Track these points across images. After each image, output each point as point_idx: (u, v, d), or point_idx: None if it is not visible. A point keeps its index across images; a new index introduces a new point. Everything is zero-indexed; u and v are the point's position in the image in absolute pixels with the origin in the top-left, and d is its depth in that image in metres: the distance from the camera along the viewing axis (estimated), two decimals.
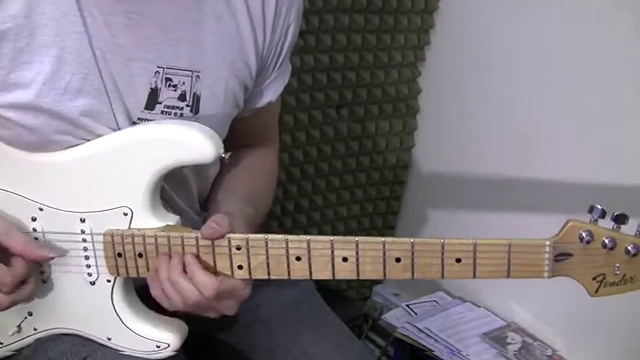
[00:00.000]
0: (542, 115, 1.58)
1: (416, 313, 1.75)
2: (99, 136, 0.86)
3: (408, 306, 1.79)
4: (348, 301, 1.92)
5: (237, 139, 0.99)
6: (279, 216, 1.76)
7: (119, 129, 0.86)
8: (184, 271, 0.83)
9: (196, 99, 0.91)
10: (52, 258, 0.87)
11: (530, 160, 1.62)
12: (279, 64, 1.01)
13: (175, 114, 0.90)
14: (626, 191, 1.42)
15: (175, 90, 0.89)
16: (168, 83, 0.88)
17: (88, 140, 0.86)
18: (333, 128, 1.76)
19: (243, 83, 0.96)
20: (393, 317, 1.77)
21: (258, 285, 1.01)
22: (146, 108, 0.88)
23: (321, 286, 1.13)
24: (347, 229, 1.89)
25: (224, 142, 0.88)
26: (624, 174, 1.42)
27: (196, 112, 0.91)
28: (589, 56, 1.47)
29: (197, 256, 0.84)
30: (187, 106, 0.90)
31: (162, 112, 0.89)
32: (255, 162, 1.07)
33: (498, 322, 1.70)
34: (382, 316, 1.83)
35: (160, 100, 0.88)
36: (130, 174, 0.85)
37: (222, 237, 0.83)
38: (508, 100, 1.66)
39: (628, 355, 1.52)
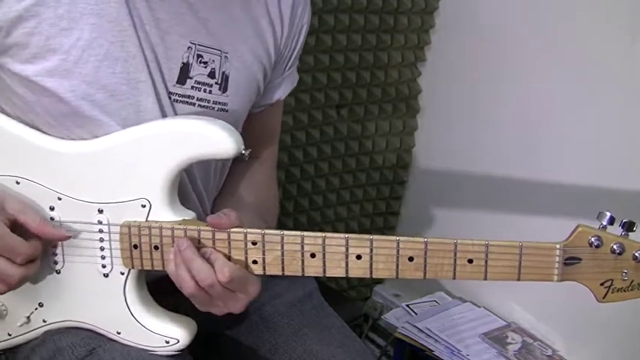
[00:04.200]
0: (542, 115, 1.59)
1: (416, 313, 1.75)
2: (137, 108, 0.87)
3: (408, 306, 1.79)
4: (349, 301, 1.92)
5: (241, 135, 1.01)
6: (279, 216, 1.75)
7: (158, 100, 0.88)
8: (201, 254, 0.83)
9: (225, 78, 0.94)
10: (68, 237, 0.87)
11: (530, 159, 1.63)
12: (291, 62, 1.06)
13: (205, 90, 0.93)
14: (633, 197, 1.42)
15: (206, 67, 0.92)
16: (199, 59, 0.91)
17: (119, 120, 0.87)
18: (333, 128, 1.77)
19: (264, 69, 1.00)
20: (393, 317, 1.77)
21: (262, 285, 1.02)
22: (178, 82, 0.90)
23: (322, 285, 1.13)
24: (347, 230, 1.90)
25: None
26: (630, 179, 1.42)
27: (224, 90, 0.94)
28: (588, 56, 1.48)
29: (213, 248, 0.85)
30: (216, 83, 0.93)
31: (192, 87, 0.92)
32: (260, 175, 1.10)
33: (498, 322, 1.70)
34: (382, 316, 1.84)
35: (191, 75, 0.91)
36: (150, 166, 0.85)
37: (226, 228, 0.84)
38: (508, 100, 1.67)
39: (628, 355, 1.52)
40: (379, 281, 2.06)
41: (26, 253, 0.83)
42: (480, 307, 1.75)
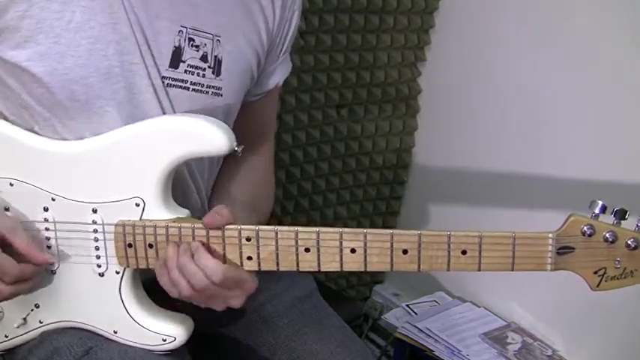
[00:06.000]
0: (542, 115, 1.59)
1: (416, 313, 1.75)
2: (131, 90, 0.87)
3: (408, 306, 1.79)
4: (349, 301, 1.93)
5: (238, 131, 1.00)
6: (280, 216, 1.76)
7: (151, 83, 0.88)
8: (193, 257, 0.83)
9: (218, 62, 0.94)
10: (52, 263, 0.88)
11: (530, 158, 1.62)
12: (284, 48, 1.05)
13: (198, 74, 0.92)
14: (626, 189, 1.42)
15: (198, 50, 0.92)
16: (190, 43, 0.91)
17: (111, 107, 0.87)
18: (333, 128, 1.77)
19: (257, 55, 0.99)
20: (393, 317, 1.77)
21: (262, 284, 1.02)
22: (170, 66, 0.90)
23: (322, 285, 1.13)
24: None
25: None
26: (624, 172, 1.43)
27: (218, 74, 0.94)
28: (588, 56, 1.48)
29: (207, 246, 0.85)
30: (209, 67, 0.93)
31: (185, 71, 0.91)
32: (255, 165, 1.09)
33: (498, 322, 1.70)
34: (382, 316, 1.84)
35: (183, 59, 0.91)
36: (143, 165, 0.86)
37: (222, 226, 0.84)
38: (508, 100, 1.67)
39: (627, 355, 1.52)
40: (379, 281, 2.06)
41: (13, 275, 0.82)
42: (480, 307, 1.75)
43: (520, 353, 1.58)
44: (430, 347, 1.58)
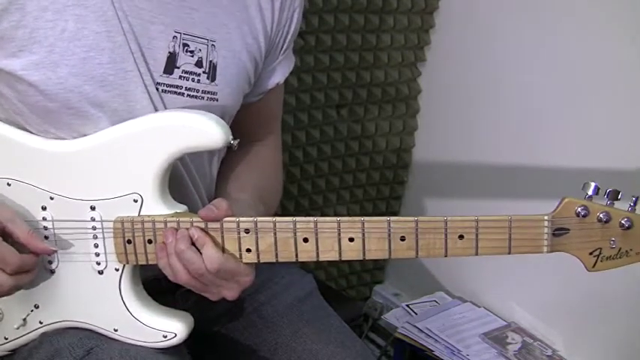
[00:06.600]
0: (543, 115, 1.59)
1: (416, 313, 1.75)
2: (126, 98, 0.87)
3: (408, 306, 1.79)
4: (349, 301, 1.92)
5: (243, 127, 1.00)
6: (280, 216, 1.75)
7: (146, 91, 0.88)
8: (192, 244, 0.84)
9: (213, 67, 0.93)
10: (55, 251, 0.88)
11: (531, 158, 1.62)
12: (285, 46, 1.04)
13: (193, 79, 0.92)
14: (625, 189, 1.42)
15: (192, 56, 0.91)
16: (185, 49, 0.90)
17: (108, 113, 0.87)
18: (333, 128, 1.77)
19: (254, 59, 0.99)
20: (393, 317, 1.77)
21: (262, 284, 1.02)
22: (165, 72, 0.90)
23: (322, 285, 1.13)
24: None
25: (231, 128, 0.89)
26: (625, 173, 1.43)
27: (213, 79, 0.94)
28: (588, 56, 1.48)
29: (208, 235, 0.85)
30: (204, 72, 0.93)
31: (180, 77, 0.91)
32: (262, 157, 1.09)
33: (498, 322, 1.70)
34: (382, 316, 1.84)
35: (178, 65, 0.90)
36: (139, 161, 0.86)
37: (219, 219, 0.84)
38: (508, 100, 1.67)
39: (628, 355, 1.52)
40: (379, 281, 2.06)
41: (15, 264, 0.82)
42: (480, 307, 1.75)
43: (520, 353, 1.58)
44: (430, 347, 1.58)
